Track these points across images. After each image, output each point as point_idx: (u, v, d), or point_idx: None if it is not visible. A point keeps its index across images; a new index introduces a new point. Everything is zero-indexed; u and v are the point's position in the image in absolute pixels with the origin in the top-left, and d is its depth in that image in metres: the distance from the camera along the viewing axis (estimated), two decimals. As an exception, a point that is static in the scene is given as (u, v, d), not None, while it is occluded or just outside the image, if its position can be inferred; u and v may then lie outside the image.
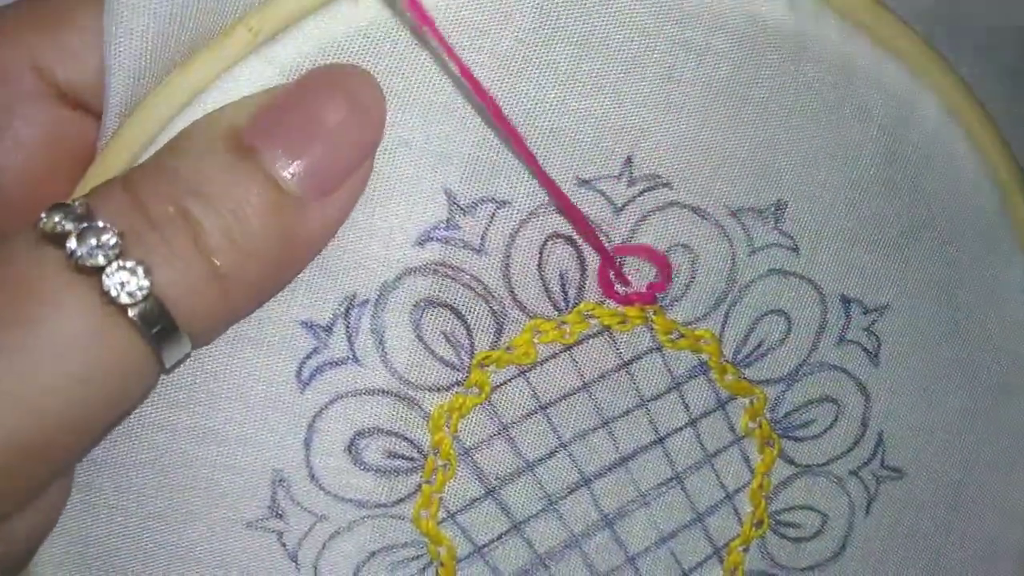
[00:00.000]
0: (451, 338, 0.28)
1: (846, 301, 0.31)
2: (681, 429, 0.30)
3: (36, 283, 0.22)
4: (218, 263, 0.23)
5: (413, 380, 0.28)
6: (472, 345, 0.28)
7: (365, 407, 0.28)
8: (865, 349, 0.31)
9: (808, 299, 0.30)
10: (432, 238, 0.27)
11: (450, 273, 0.28)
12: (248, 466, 0.28)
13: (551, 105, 0.27)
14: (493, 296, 0.28)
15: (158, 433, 0.27)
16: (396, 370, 0.28)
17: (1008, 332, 0.32)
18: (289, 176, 0.24)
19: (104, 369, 0.22)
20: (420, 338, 0.28)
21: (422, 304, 0.28)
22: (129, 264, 0.22)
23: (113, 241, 0.22)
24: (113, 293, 0.22)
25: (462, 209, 0.27)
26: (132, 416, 0.27)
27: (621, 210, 0.28)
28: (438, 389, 0.28)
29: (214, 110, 0.25)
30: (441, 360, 0.28)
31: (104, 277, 0.22)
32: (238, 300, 0.25)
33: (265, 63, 0.26)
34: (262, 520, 0.28)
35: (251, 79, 0.26)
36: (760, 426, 0.31)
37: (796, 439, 0.32)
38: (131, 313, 0.22)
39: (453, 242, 0.28)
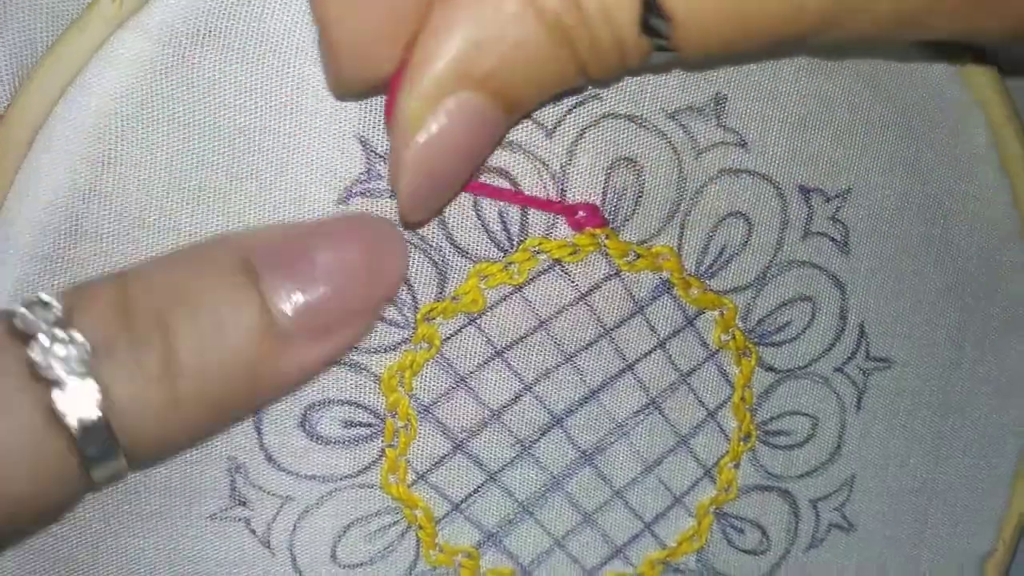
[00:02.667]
0: None
1: (805, 191, 0.29)
2: (650, 353, 0.29)
3: None
4: (180, 386, 0.22)
5: (357, 344, 0.26)
6: (415, 299, 0.27)
7: (311, 380, 0.26)
8: (833, 239, 0.29)
9: (765, 195, 0.28)
10: (354, 193, 0.26)
11: None
12: (200, 458, 0.27)
13: None
14: (430, 245, 0.26)
15: None
16: (338, 336, 0.26)
17: (981, 200, 0.30)
18: (285, 309, 0.23)
19: (30, 476, 0.21)
20: (358, 299, 0.26)
21: None
22: (88, 384, 0.21)
23: (83, 357, 0.21)
24: (61, 410, 0.21)
25: (381, 156, 0.25)
26: None
27: (553, 132, 0.26)
28: (385, 350, 0.27)
29: (235, 233, 0.24)
30: (383, 319, 0.27)
31: (57, 391, 0.21)
32: (188, 422, 0.23)
33: (137, 35, 0.24)
34: (225, 511, 0.27)
35: (126, 54, 0.24)
36: (734, 337, 0.29)
37: (773, 344, 0.30)
38: (74, 430, 0.21)
39: (377, 193, 0.26)
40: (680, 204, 0.28)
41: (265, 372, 0.23)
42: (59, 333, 0.21)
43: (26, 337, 0.20)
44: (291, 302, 0.23)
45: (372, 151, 0.25)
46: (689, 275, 0.28)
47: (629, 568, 0.31)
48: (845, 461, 0.32)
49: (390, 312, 0.27)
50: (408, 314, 0.27)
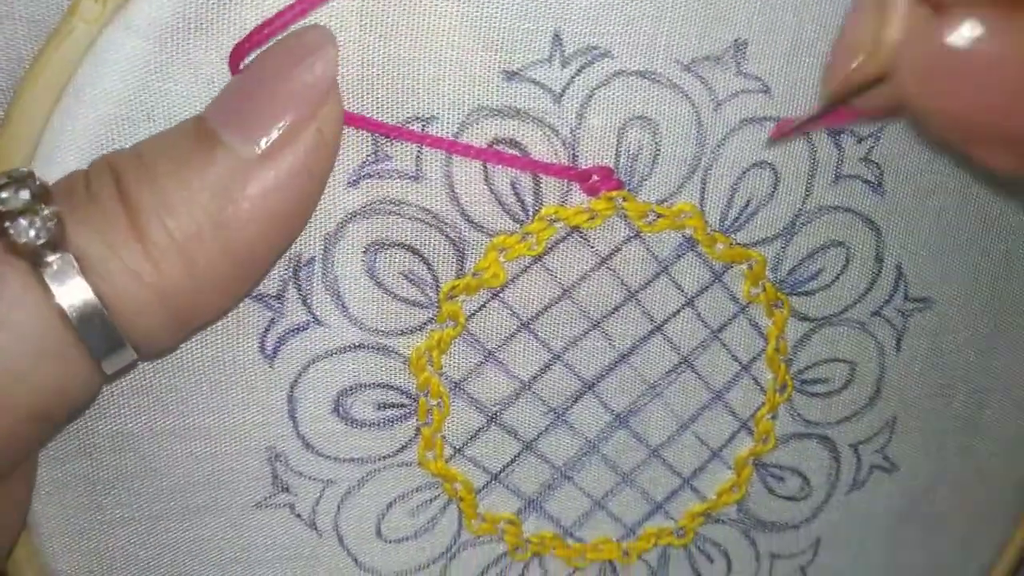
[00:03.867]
0: (411, 276, 0.26)
1: (835, 134, 0.27)
2: (679, 312, 0.28)
3: None
4: (153, 247, 0.21)
5: (382, 328, 0.26)
6: (436, 278, 0.26)
7: (340, 366, 0.27)
8: (866, 181, 0.28)
9: (792, 142, 0.27)
10: (364, 175, 0.25)
11: (392, 208, 0.25)
12: (240, 451, 0.27)
13: None
14: (445, 223, 0.26)
15: (141, 441, 0.26)
16: (362, 322, 0.26)
17: None
18: (229, 137, 0.22)
19: (42, 368, 0.21)
20: (379, 284, 0.26)
21: (372, 248, 0.26)
22: (66, 257, 0.20)
23: (50, 227, 0.20)
24: (49, 285, 0.20)
25: (387, 138, 0.25)
26: (112, 429, 0.26)
27: (561, 96, 0.25)
28: (411, 331, 0.27)
29: None
30: (406, 301, 0.26)
31: (46, 275, 0.20)
32: (178, 284, 0.22)
33: (127, 34, 0.23)
34: (270, 498, 0.28)
35: (118, 55, 0.23)
36: (764, 289, 0.29)
37: (806, 293, 0.29)
38: (67, 308, 0.20)
39: (387, 174, 0.25)
40: (700, 159, 0.27)
41: (236, 206, 0.22)
42: (30, 207, 0.20)
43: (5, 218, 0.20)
44: (229, 127, 0.22)
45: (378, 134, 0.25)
46: (713, 231, 0.28)
47: (670, 522, 0.31)
48: (885, 404, 0.31)
49: (411, 292, 0.26)
50: (430, 293, 0.26)
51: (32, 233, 0.20)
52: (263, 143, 0.22)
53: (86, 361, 0.21)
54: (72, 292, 0.20)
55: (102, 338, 0.21)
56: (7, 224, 0.20)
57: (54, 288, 0.20)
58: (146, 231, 0.21)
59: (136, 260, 0.21)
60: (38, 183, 0.21)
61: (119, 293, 0.21)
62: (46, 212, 0.20)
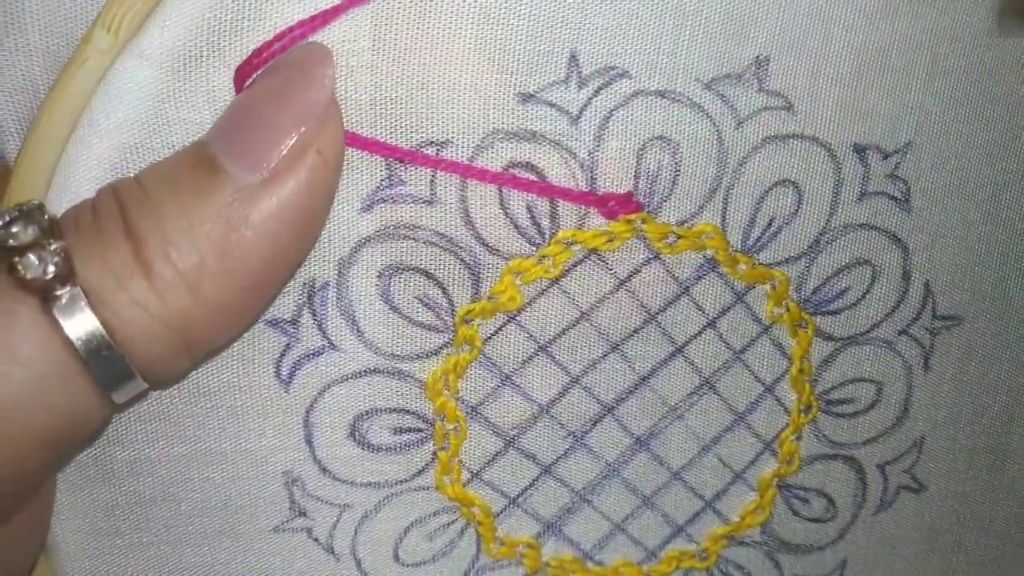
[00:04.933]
0: (426, 300, 0.26)
1: (860, 150, 0.27)
2: (700, 333, 0.28)
3: None
4: (158, 278, 0.21)
5: (398, 352, 0.26)
6: (451, 302, 0.26)
7: (356, 391, 0.26)
8: (893, 197, 0.27)
9: (815, 159, 0.26)
10: (377, 200, 0.25)
11: (407, 233, 0.25)
12: (257, 476, 0.27)
13: (474, 14, 0.23)
14: (460, 246, 0.25)
15: (158, 467, 0.26)
16: (377, 347, 0.26)
17: None
18: (230, 164, 0.21)
19: (51, 403, 0.21)
20: (394, 308, 0.26)
21: (386, 272, 0.25)
22: (75, 291, 0.20)
23: (59, 263, 0.20)
24: (58, 319, 0.20)
25: (400, 160, 0.24)
26: (129, 456, 0.26)
27: (578, 118, 0.25)
28: (427, 355, 0.26)
29: None
30: (422, 325, 0.26)
31: (54, 307, 0.20)
32: (184, 312, 0.22)
33: (139, 63, 0.23)
34: (287, 522, 0.28)
35: (131, 84, 0.23)
36: (787, 309, 0.28)
37: (831, 313, 0.28)
38: (75, 340, 0.20)
39: (401, 199, 0.25)
40: (722, 179, 0.26)
41: (240, 233, 0.21)
42: (38, 241, 0.20)
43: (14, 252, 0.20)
44: (230, 155, 0.22)
45: (392, 157, 0.24)
46: (735, 251, 0.27)
47: (692, 545, 0.30)
48: (913, 423, 0.30)
49: (427, 316, 0.26)
50: (446, 318, 0.26)
51: (41, 268, 0.20)
52: (264, 168, 0.21)
53: (95, 391, 0.21)
54: (80, 325, 0.20)
55: (111, 369, 0.21)
56: (16, 259, 0.20)
57: (63, 321, 0.20)
58: (151, 263, 0.21)
59: (142, 292, 0.21)
60: (47, 217, 0.21)
61: (127, 325, 0.21)
62: (54, 247, 0.20)
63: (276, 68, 0.23)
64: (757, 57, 0.25)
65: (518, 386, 0.27)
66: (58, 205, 0.23)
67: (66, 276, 0.20)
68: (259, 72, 0.23)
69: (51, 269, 0.20)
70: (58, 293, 0.20)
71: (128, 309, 0.21)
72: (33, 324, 0.20)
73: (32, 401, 0.21)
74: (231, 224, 0.21)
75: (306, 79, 0.22)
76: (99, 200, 0.22)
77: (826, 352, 0.29)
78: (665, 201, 0.26)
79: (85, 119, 0.23)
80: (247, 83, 0.23)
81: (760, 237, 0.27)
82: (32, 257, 0.20)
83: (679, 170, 0.26)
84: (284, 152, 0.22)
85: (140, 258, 0.21)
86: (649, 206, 0.26)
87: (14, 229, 0.20)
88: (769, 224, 0.27)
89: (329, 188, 0.23)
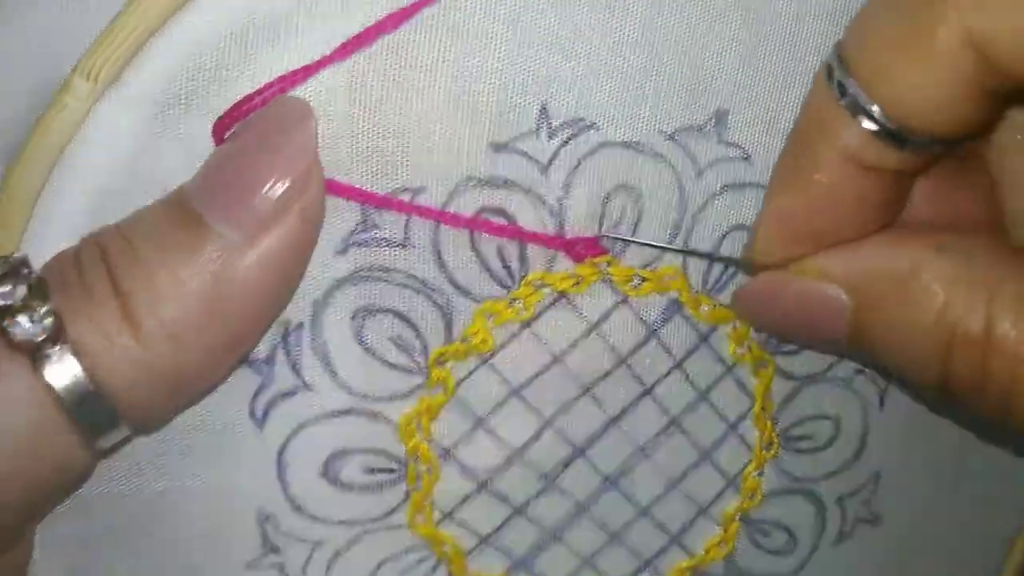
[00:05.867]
0: (400, 342, 0.26)
1: None
2: (668, 374, 0.29)
3: None
4: (144, 333, 0.22)
5: (371, 393, 0.27)
6: (424, 344, 0.26)
7: (329, 431, 0.27)
8: None
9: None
10: (352, 243, 0.25)
11: (380, 275, 0.26)
12: (230, 512, 0.27)
13: (448, 69, 0.24)
14: (433, 289, 0.26)
15: (132, 503, 0.26)
16: (351, 387, 0.26)
17: None
18: (217, 223, 0.22)
19: (37, 454, 0.21)
20: (368, 349, 0.26)
21: (360, 314, 0.26)
22: (63, 349, 0.21)
23: (47, 324, 0.21)
24: (47, 378, 0.21)
25: (376, 208, 0.25)
26: (104, 492, 0.26)
27: (548, 167, 0.25)
28: (400, 397, 0.27)
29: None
30: (395, 367, 0.26)
31: (43, 364, 0.21)
32: (170, 366, 0.22)
33: (118, 107, 0.23)
34: (259, 558, 0.28)
35: (109, 129, 0.23)
36: (749, 349, 0.29)
37: (791, 352, 0.30)
38: (62, 395, 0.21)
39: (375, 243, 0.25)
40: (682, 224, 0.27)
41: (224, 289, 0.22)
42: (28, 303, 0.21)
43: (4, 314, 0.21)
44: (214, 211, 0.22)
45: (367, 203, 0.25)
46: (697, 293, 0.28)
47: (658, 579, 0.31)
48: (869, 458, 0.32)
49: (400, 358, 0.26)
50: (419, 359, 0.27)
51: (32, 330, 0.21)
52: (248, 225, 0.22)
53: (82, 443, 0.22)
54: (69, 381, 0.21)
55: (97, 420, 0.22)
56: (7, 323, 0.20)
57: (51, 379, 0.21)
58: (139, 320, 0.21)
59: (131, 348, 0.21)
60: (33, 275, 0.21)
61: (116, 380, 0.21)
62: (44, 309, 0.21)
63: (259, 122, 0.23)
64: (717, 110, 0.26)
65: (491, 430, 0.28)
66: (37, 248, 0.23)
67: (56, 336, 0.21)
68: (240, 124, 0.23)
69: (42, 332, 0.21)
70: (47, 352, 0.21)
71: (118, 364, 0.21)
72: (21, 382, 0.21)
73: (19, 457, 0.21)
74: (217, 279, 0.22)
75: (289, 136, 0.23)
76: (84, 254, 0.22)
77: (787, 390, 0.30)
78: (628, 245, 0.27)
79: (62, 164, 0.23)
80: (227, 134, 0.23)
81: (719, 278, 0.28)
82: (22, 320, 0.21)
83: (641, 215, 0.27)
84: (268, 210, 0.22)
85: (128, 314, 0.21)
86: (613, 250, 0.27)
87: (2, 289, 0.21)
88: (727, 266, 0.28)
89: (310, 243, 0.24)
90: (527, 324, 0.27)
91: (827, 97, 0.23)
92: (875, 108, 0.22)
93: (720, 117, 0.26)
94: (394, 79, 0.24)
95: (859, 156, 0.23)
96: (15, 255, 0.21)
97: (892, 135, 0.22)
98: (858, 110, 0.22)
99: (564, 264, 0.27)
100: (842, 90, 0.23)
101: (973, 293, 0.23)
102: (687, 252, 0.27)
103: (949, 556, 0.34)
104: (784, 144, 0.26)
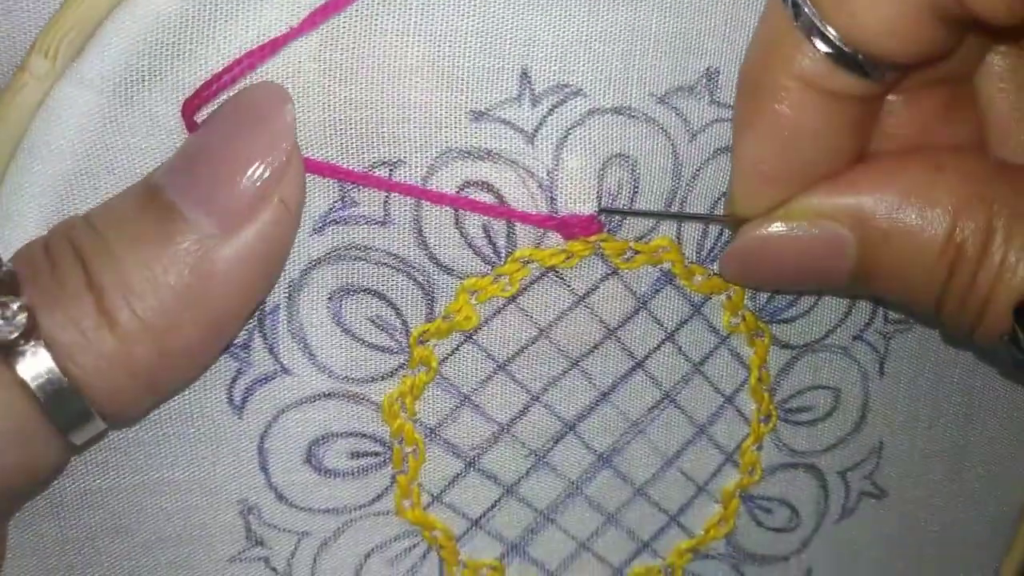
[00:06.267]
0: (379, 322, 0.25)
1: None
2: (659, 347, 0.28)
3: None
4: (121, 328, 0.21)
5: (352, 375, 0.26)
6: (405, 323, 0.26)
7: (310, 416, 0.26)
8: None
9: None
10: (330, 221, 0.24)
11: (358, 254, 0.25)
12: (211, 505, 0.26)
13: (420, 33, 0.23)
14: (413, 266, 0.25)
15: (109, 498, 0.25)
16: (331, 370, 0.25)
17: None
18: (192, 212, 0.21)
19: (11, 449, 0.21)
20: (346, 330, 0.25)
21: (338, 294, 0.25)
22: (37, 346, 0.20)
23: (22, 319, 0.20)
24: (21, 374, 0.20)
25: (354, 185, 0.24)
26: (79, 487, 0.25)
27: (534, 136, 0.24)
28: (382, 377, 0.26)
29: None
30: (375, 347, 0.26)
31: (18, 361, 0.20)
32: (149, 361, 0.22)
33: (79, 88, 0.22)
34: (243, 552, 0.27)
35: (71, 110, 0.22)
36: (743, 319, 0.28)
37: (786, 321, 0.29)
38: (36, 390, 0.20)
39: (353, 220, 0.24)
40: (676, 192, 0.26)
41: (202, 281, 0.21)
42: (4, 300, 0.20)
43: None
44: (189, 201, 0.21)
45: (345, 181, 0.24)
46: (691, 263, 0.27)
47: (658, 560, 0.30)
48: (871, 429, 0.31)
49: (380, 338, 0.26)
50: (400, 339, 0.26)
51: (4, 328, 0.20)
52: (225, 216, 0.21)
53: (56, 438, 0.21)
54: (43, 376, 0.20)
55: (72, 415, 0.21)
56: None
57: (24, 375, 0.20)
58: (114, 316, 0.21)
59: (107, 344, 0.21)
60: (4, 268, 0.20)
61: (91, 375, 0.21)
62: (17, 305, 0.20)
63: (234, 109, 0.22)
64: (707, 69, 0.25)
65: (477, 406, 0.27)
66: (4, 234, 0.23)
67: (30, 332, 0.20)
68: (211, 108, 0.22)
69: (15, 330, 0.20)
70: (21, 348, 0.20)
71: (94, 361, 0.21)
72: None
73: None
74: (194, 272, 0.21)
75: (266, 123, 0.22)
76: (54, 247, 0.21)
77: (784, 360, 0.29)
78: (625, 218, 0.26)
79: (24, 146, 0.22)
80: (197, 116, 0.22)
81: (713, 247, 0.27)
82: None
83: (637, 187, 0.26)
84: (246, 200, 0.21)
85: (103, 310, 0.21)
86: (610, 226, 0.26)
87: None
88: (721, 233, 0.27)
89: (291, 232, 0.23)
90: (512, 299, 0.26)
91: (782, 20, 0.23)
92: (831, 31, 0.22)
93: (711, 76, 0.25)
94: (366, 46, 0.23)
95: (818, 81, 0.23)
96: None
97: (848, 58, 0.22)
98: (813, 32, 0.22)
99: (554, 239, 0.26)
100: (796, 11, 0.22)
101: (978, 211, 0.23)
102: (686, 216, 0.26)
103: (958, 532, 0.33)
104: (739, 82, 0.25)
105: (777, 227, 0.24)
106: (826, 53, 0.22)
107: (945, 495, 0.32)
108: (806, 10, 0.22)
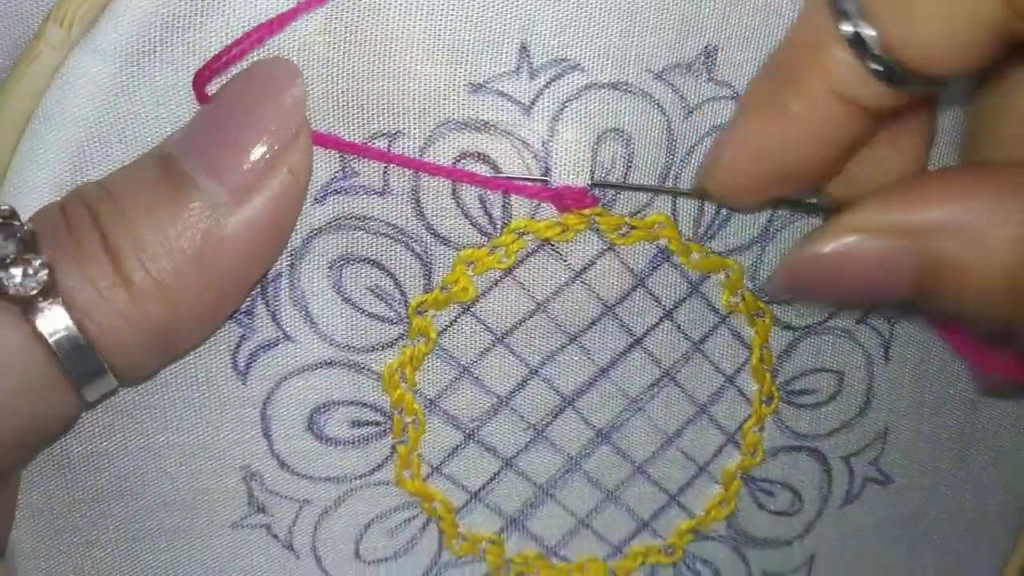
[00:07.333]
0: (378, 291, 0.26)
1: None
2: (658, 324, 0.28)
3: None
4: (135, 287, 0.22)
5: (353, 344, 0.26)
6: (403, 293, 0.26)
7: (312, 383, 0.26)
8: None
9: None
10: (330, 191, 0.25)
11: (358, 224, 0.25)
12: (215, 470, 0.27)
13: (423, 6, 0.23)
14: (411, 237, 0.26)
15: (115, 461, 0.26)
16: (332, 338, 0.26)
17: None
18: (204, 180, 0.22)
19: (27, 400, 0.22)
20: (347, 299, 0.26)
21: (338, 263, 0.25)
22: (55, 302, 0.21)
23: (42, 277, 0.21)
24: (40, 329, 0.21)
25: (354, 156, 0.25)
26: (86, 450, 0.26)
27: (530, 108, 0.25)
28: (382, 347, 0.26)
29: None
30: (375, 317, 0.26)
31: (36, 316, 0.21)
32: (160, 319, 0.23)
33: (93, 57, 0.23)
34: (246, 518, 0.27)
35: (84, 79, 0.23)
36: (743, 299, 0.28)
37: (788, 301, 0.29)
38: (53, 344, 0.21)
39: (353, 190, 0.25)
40: (671, 168, 0.26)
41: (213, 246, 0.22)
42: (22, 256, 0.21)
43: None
44: (201, 169, 0.22)
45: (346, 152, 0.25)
46: (688, 240, 0.27)
47: (657, 540, 0.30)
48: (876, 414, 0.30)
49: (380, 308, 0.26)
50: (399, 309, 0.26)
51: (26, 283, 0.21)
52: (236, 184, 0.22)
53: (69, 391, 0.22)
54: (59, 331, 0.21)
55: (86, 370, 0.22)
56: (1, 274, 0.21)
57: (43, 329, 0.21)
58: (129, 275, 0.22)
59: (122, 303, 0.22)
60: (25, 227, 0.22)
61: (106, 333, 0.22)
62: (38, 263, 0.21)
63: (246, 82, 0.23)
64: (706, 47, 0.25)
65: (476, 378, 0.27)
66: (14, 199, 0.24)
67: (49, 289, 0.21)
68: (222, 79, 0.23)
69: (36, 285, 0.21)
70: (40, 305, 0.21)
71: (109, 318, 0.22)
72: (15, 332, 0.21)
73: (10, 402, 0.22)
74: (206, 237, 0.22)
75: (277, 95, 0.23)
76: (71, 210, 0.22)
77: (786, 341, 0.29)
78: (620, 193, 0.26)
79: (39, 113, 0.23)
80: (207, 88, 0.23)
81: (711, 225, 0.27)
82: (16, 273, 0.21)
83: (632, 161, 0.26)
84: (257, 169, 0.23)
85: (119, 270, 0.22)
86: (603, 199, 0.26)
87: None
88: (718, 210, 0.27)
89: (298, 201, 0.24)
90: (509, 271, 0.26)
91: (823, 24, 0.22)
92: (874, 37, 0.21)
93: (709, 54, 0.26)
94: (370, 19, 0.23)
95: (851, 93, 0.22)
96: (2, 207, 0.22)
97: (893, 74, 0.21)
98: (861, 45, 0.21)
99: (549, 211, 0.26)
100: (842, 17, 0.21)
101: None
102: (679, 192, 0.26)
103: (963, 520, 0.32)
104: (762, 68, 0.25)
105: (855, 241, 0.23)
106: (872, 69, 0.21)
107: (951, 482, 0.32)
108: (855, 21, 0.21)
